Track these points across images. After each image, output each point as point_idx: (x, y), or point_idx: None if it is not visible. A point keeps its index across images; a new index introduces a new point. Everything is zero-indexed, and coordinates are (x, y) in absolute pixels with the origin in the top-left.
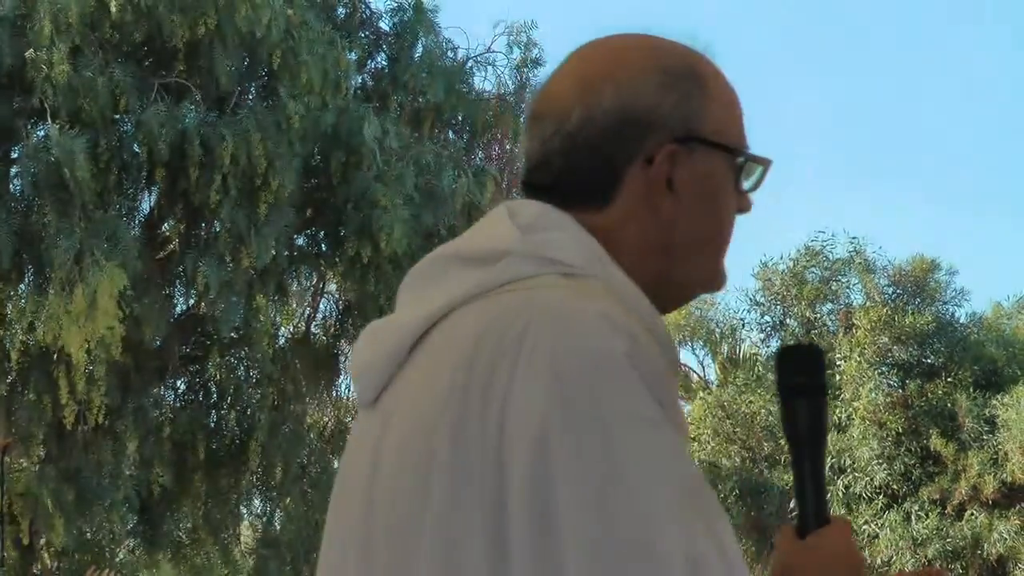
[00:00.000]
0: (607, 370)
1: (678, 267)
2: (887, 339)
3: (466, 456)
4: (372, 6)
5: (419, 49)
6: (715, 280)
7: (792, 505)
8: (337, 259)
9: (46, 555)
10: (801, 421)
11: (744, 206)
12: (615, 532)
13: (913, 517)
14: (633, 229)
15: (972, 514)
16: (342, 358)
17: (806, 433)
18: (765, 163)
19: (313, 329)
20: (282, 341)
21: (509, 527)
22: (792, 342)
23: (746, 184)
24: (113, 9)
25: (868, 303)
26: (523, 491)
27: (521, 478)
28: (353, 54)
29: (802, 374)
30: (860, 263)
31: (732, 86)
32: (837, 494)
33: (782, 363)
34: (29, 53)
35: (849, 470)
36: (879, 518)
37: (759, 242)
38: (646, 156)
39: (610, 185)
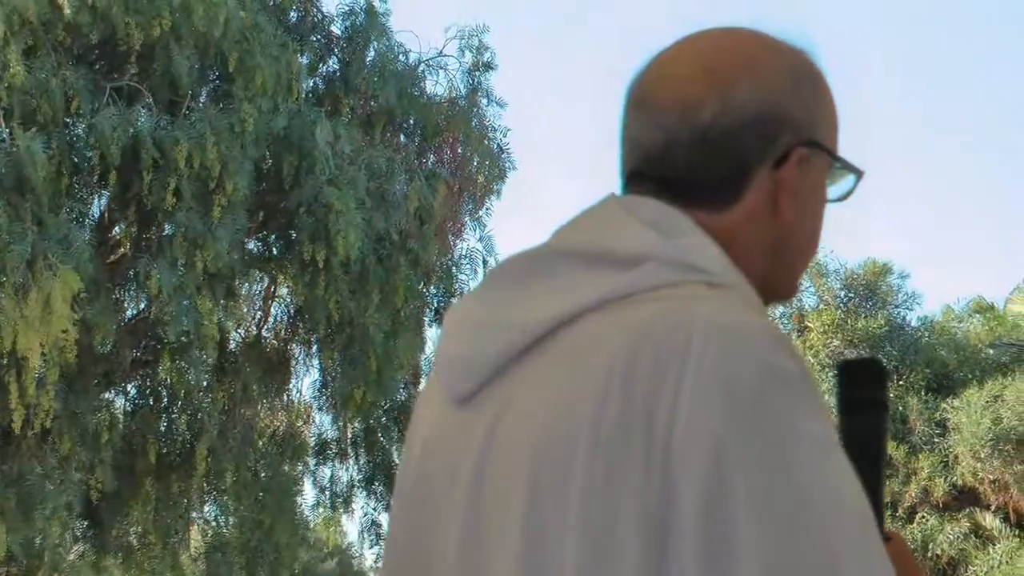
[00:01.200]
0: (784, 388)
1: (780, 273)
2: (839, 342)
3: (625, 467)
4: (324, 10)
5: (371, 53)
6: (796, 289)
7: None
8: (288, 263)
9: None
10: (863, 438)
11: None
12: (798, 562)
13: None
14: (753, 232)
15: (923, 517)
16: (293, 362)
17: (866, 450)
18: (859, 173)
19: (264, 333)
20: (233, 345)
21: (673, 542)
22: (854, 356)
23: (832, 193)
24: (67, 11)
25: (821, 306)
26: (696, 510)
27: (694, 497)
28: (305, 58)
29: (863, 389)
30: (813, 267)
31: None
32: None
33: (844, 378)
34: None
35: None
36: None
37: None
38: (776, 156)
39: (740, 184)
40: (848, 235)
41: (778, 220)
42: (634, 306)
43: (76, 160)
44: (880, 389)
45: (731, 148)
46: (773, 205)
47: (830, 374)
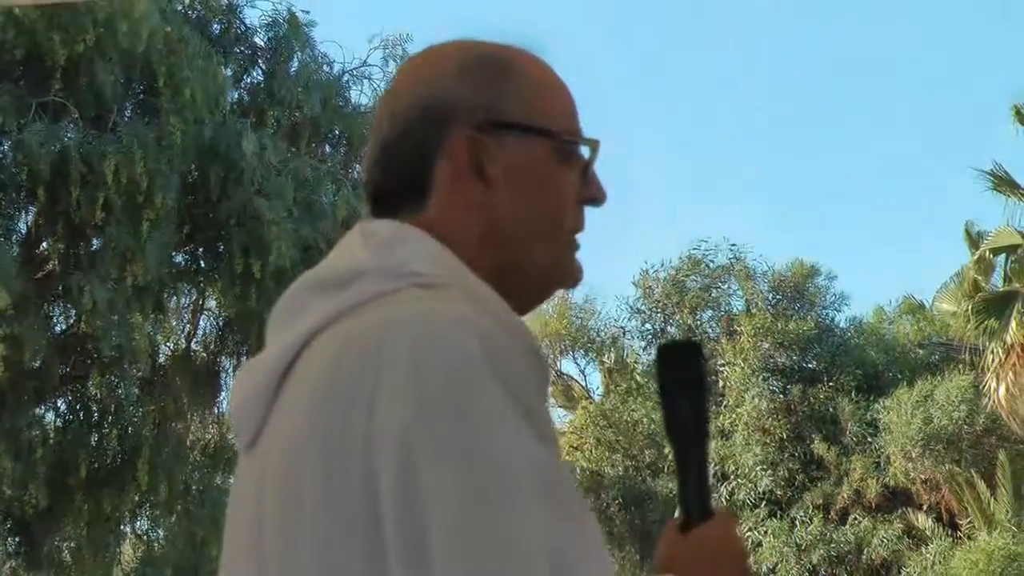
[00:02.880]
0: (464, 373)
1: (515, 258)
2: (769, 345)
3: (334, 482)
4: (247, 21)
5: (295, 63)
6: (562, 271)
7: (676, 511)
8: (217, 275)
9: None
10: (682, 416)
11: (591, 195)
12: (478, 533)
13: (797, 523)
14: (456, 222)
15: (855, 518)
16: (223, 374)
17: (688, 428)
18: (590, 143)
19: (193, 346)
20: (162, 359)
21: (386, 541)
22: (669, 339)
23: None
24: None
25: (750, 309)
26: (393, 506)
27: (390, 493)
28: (229, 69)
29: (681, 369)
30: (741, 270)
31: (555, 74)
32: (721, 501)
33: (662, 360)
34: None
35: (733, 477)
36: (763, 525)
37: (639, 251)
38: (449, 147)
39: (422, 182)
40: (776, 237)
41: (475, 208)
42: (351, 319)
43: (3, 176)
44: (696, 368)
45: (404, 151)
46: (462, 194)
47: (760, 378)
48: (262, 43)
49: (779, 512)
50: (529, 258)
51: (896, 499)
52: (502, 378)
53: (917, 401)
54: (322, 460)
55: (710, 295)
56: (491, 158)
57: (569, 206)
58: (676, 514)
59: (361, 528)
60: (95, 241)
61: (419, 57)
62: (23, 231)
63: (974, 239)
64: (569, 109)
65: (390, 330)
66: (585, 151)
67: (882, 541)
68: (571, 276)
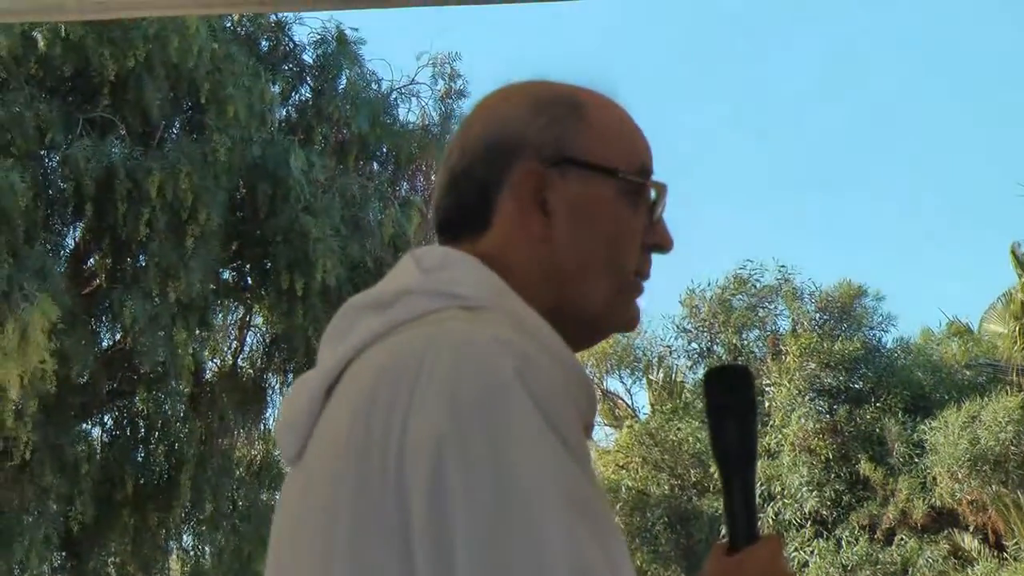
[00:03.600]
0: (498, 389)
1: (571, 294)
2: (815, 365)
3: (369, 493)
4: (295, 39)
5: (343, 81)
6: (617, 313)
7: (723, 532)
8: (264, 292)
9: None
10: (731, 440)
11: (656, 241)
12: (502, 549)
13: (843, 543)
14: (515, 254)
15: (902, 539)
16: (269, 391)
17: (735, 452)
18: (658, 187)
19: (240, 363)
20: (209, 375)
21: (415, 552)
22: (718, 363)
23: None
24: (41, 44)
25: (796, 329)
26: (423, 514)
27: (420, 502)
28: (277, 87)
29: (730, 393)
30: (788, 290)
31: (628, 116)
32: (767, 521)
33: (710, 384)
34: None
35: (779, 497)
36: (809, 545)
37: (686, 269)
38: (515, 179)
39: (485, 212)
40: (824, 258)
41: (535, 241)
42: (395, 336)
43: (51, 191)
44: (745, 392)
45: (469, 181)
46: (523, 226)
47: (807, 398)
48: (310, 60)
49: (825, 532)
50: (584, 295)
51: (942, 520)
52: (535, 397)
53: (964, 422)
54: (358, 471)
55: (756, 315)
56: (555, 192)
57: (631, 247)
58: (722, 536)
59: (393, 538)
60: (141, 257)
61: (494, 93)
62: (70, 246)
63: (1021, 260)
64: (640, 151)
65: (429, 348)
66: (653, 194)
67: (928, 562)
68: (627, 320)
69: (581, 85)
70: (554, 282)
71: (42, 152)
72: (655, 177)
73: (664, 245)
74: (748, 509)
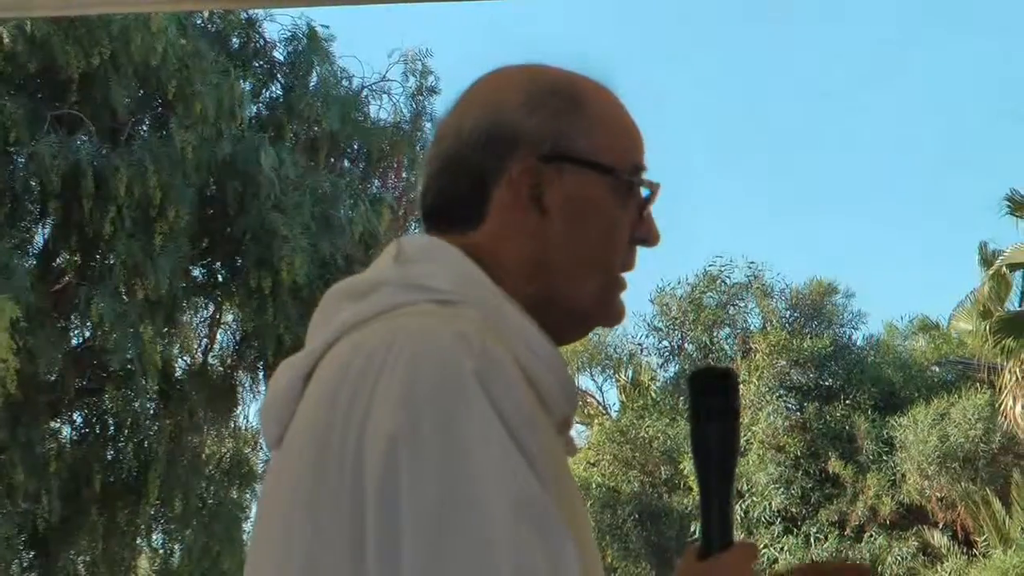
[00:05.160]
0: (453, 388)
1: (560, 290)
2: (785, 363)
3: (328, 477)
4: (266, 36)
5: (314, 78)
6: (604, 309)
7: (693, 529)
8: (234, 289)
9: None
10: (712, 444)
11: (643, 236)
12: (447, 548)
13: (812, 540)
14: (507, 248)
15: (871, 536)
16: (239, 389)
17: (716, 456)
18: (651, 186)
19: (210, 360)
20: (179, 373)
21: (366, 549)
22: (704, 365)
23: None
24: (5, 40)
25: (766, 327)
26: (375, 512)
27: (373, 499)
28: (247, 84)
29: (715, 397)
30: (758, 287)
31: (624, 110)
32: (736, 518)
33: (695, 386)
34: None
35: (747, 495)
36: (778, 542)
37: (656, 267)
38: (511, 174)
39: (479, 204)
40: (794, 255)
41: (528, 236)
42: (365, 328)
43: (16, 188)
44: (730, 396)
45: (464, 171)
46: (517, 221)
47: (776, 396)
48: (281, 57)
49: (794, 529)
50: (573, 291)
51: (912, 517)
52: (492, 397)
53: (933, 419)
54: (319, 460)
55: (727, 313)
56: (551, 189)
57: (620, 244)
58: (693, 533)
59: (348, 527)
60: (110, 255)
61: (489, 78)
62: (40, 244)
63: (989, 260)
64: (635, 147)
65: (392, 344)
66: (645, 191)
67: (897, 558)
68: (613, 315)
69: (578, 73)
70: (544, 277)
71: (9, 149)
72: (648, 174)
73: (651, 240)
74: (724, 515)
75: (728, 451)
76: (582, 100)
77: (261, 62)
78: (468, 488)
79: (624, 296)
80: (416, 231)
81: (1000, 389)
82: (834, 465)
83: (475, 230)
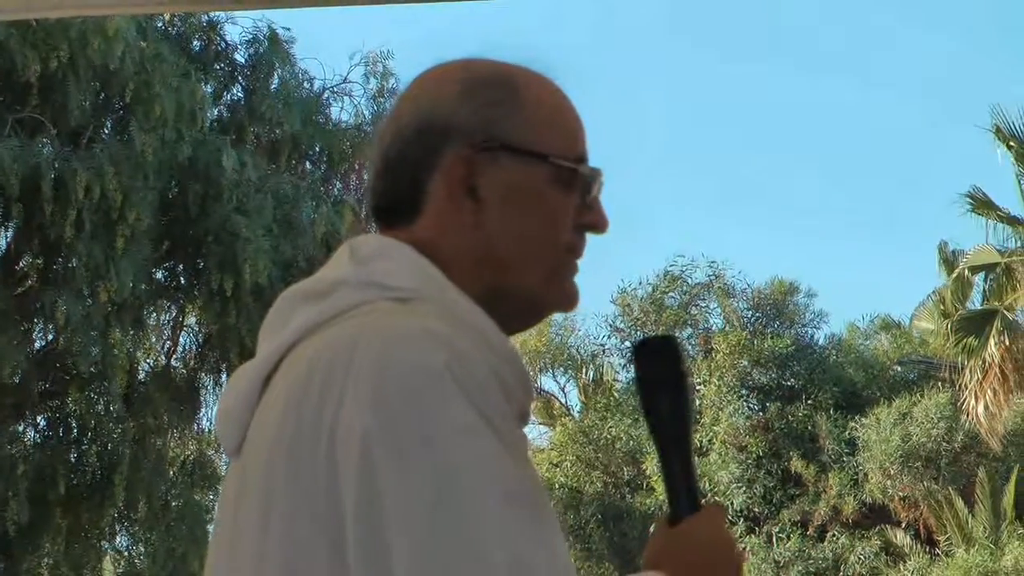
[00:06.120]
0: (426, 383)
1: (505, 279)
2: (747, 363)
3: (301, 481)
4: (227, 38)
5: (275, 80)
6: (554, 294)
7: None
8: (197, 291)
9: None
10: (663, 413)
11: (591, 222)
12: (440, 543)
13: (775, 539)
14: (447, 241)
15: (834, 535)
16: (203, 391)
17: (670, 423)
18: (593, 173)
19: (173, 363)
20: (142, 375)
21: (348, 551)
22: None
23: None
24: None
25: (727, 327)
26: (354, 514)
27: (352, 500)
28: (209, 86)
29: (659, 365)
30: (719, 287)
31: (563, 99)
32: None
33: (639, 357)
34: None
35: (710, 494)
36: (741, 541)
37: (617, 267)
38: (445, 164)
39: (415, 197)
40: (754, 255)
41: (466, 227)
42: (329, 329)
43: None
44: (675, 363)
45: (401, 165)
46: (454, 212)
47: (737, 396)
48: (243, 60)
49: (757, 529)
50: (519, 280)
51: (874, 516)
52: (466, 389)
53: (896, 418)
54: (291, 464)
55: (689, 313)
56: (485, 178)
57: (563, 230)
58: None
59: (325, 531)
60: (74, 259)
61: (426, 74)
62: (2, 247)
63: (948, 259)
64: (573, 134)
65: (359, 341)
66: (589, 178)
67: (860, 558)
68: (565, 300)
69: (518, 64)
70: (488, 267)
71: None
72: (591, 161)
73: (598, 226)
74: (688, 480)
75: (680, 416)
76: (517, 89)
77: (222, 64)
78: (456, 483)
79: (576, 280)
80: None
81: (962, 388)
82: (796, 465)
83: (414, 225)
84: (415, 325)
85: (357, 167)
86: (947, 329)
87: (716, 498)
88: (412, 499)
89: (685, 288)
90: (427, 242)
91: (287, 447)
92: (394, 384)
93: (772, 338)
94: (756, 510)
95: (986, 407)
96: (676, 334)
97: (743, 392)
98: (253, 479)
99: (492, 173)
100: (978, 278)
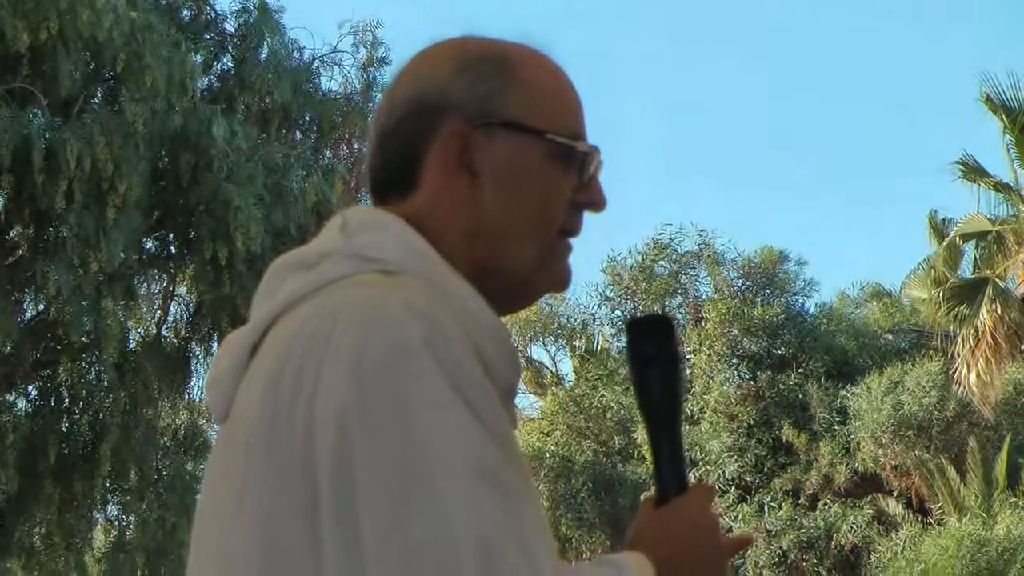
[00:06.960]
0: (403, 356)
1: (498, 255)
2: (737, 331)
3: (279, 452)
4: (217, 8)
5: (265, 50)
6: (546, 273)
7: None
8: (187, 261)
9: None
10: (655, 391)
11: (588, 200)
12: (408, 519)
13: (766, 508)
14: (440, 215)
15: (825, 504)
16: (193, 361)
17: (660, 402)
18: (591, 150)
19: (164, 332)
20: (133, 345)
21: (321, 523)
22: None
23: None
24: None
25: (717, 296)
26: (328, 486)
27: (326, 473)
28: (199, 56)
29: (652, 344)
30: (709, 256)
31: (561, 76)
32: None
33: (632, 335)
34: None
35: (701, 463)
36: (732, 510)
37: (606, 236)
38: (441, 140)
39: (412, 171)
40: (743, 223)
41: (460, 201)
42: (313, 299)
43: None
44: (667, 342)
45: (397, 140)
46: (448, 187)
47: (727, 364)
48: (232, 30)
49: (748, 497)
50: (511, 256)
51: (866, 485)
52: (443, 364)
53: (887, 387)
54: (268, 439)
55: (678, 281)
56: (480, 153)
57: (559, 208)
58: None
59: (301, 502)
60: (64, 229)
61: (422, 52)
62: None
63: (938, 227)
64: (570, 111)
65: (339, 315)
66: (586, 155)
67: (852, 527)
68: (557, 279)
69: (514, 41)
70: (481, 244)
71: None
72: (589, 139)
73: (596, 205)
74: (676, 460)
75: (671, 396)
76: (513, 65)
77: (212, 34)
78: (424, 456)
79: (570, 260)
80: (368, 202)
81: (953, 357)
82: (787, 433)
83: (409, 199)
84: (396, 299)
85: (347, 136)
86: (938, 297)
87: (707, 467)
88: (380, 476)
89: (675, 257)
90: (420, 216)
91: (265, 418)
92: (371, 360)
93: (762, 306)
94: (747, 479)
95: (978, 375)
96: (666, 303)
97: (733, 361)
98: (233, 455)
99: (488, 149)
100: (969, 246)
